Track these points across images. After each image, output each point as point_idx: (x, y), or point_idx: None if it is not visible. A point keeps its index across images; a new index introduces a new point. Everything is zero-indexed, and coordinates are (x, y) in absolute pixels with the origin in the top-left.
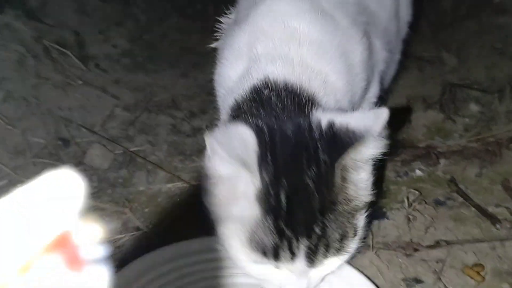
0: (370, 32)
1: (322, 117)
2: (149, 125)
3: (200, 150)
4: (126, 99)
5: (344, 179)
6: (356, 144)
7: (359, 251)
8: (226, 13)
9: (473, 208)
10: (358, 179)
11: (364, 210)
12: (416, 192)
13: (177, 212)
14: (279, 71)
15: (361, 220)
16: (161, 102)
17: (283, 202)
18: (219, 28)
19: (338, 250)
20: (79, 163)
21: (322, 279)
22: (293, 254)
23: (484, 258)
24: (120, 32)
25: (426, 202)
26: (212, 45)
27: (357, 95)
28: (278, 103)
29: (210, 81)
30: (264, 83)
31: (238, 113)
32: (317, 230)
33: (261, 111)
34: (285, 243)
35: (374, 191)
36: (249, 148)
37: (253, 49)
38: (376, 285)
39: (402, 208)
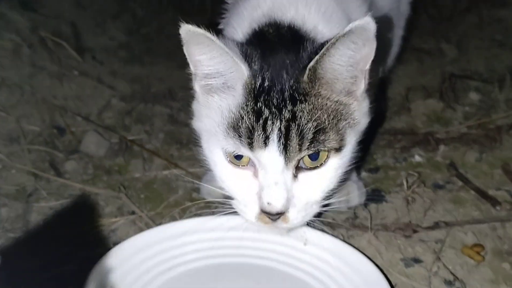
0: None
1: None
2: (146, 115)
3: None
4: (123, 90)
5: (313, 78)
6: (328, 46)
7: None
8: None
9: (472, 191)
10: (333, 84)
11: (354, 126)
12: (415, 174)
13: (173, 197)
14: (285, 15)
15: (348, 133)
16: (157, 93)
17: (266, 87)
18: (225, 9)
19: (313, 143)
20: (75, 151)
21: (306, 217)
22: (266, 136)
23: (484, 238)
24: (117, 25)
25: (425, 185)
26: (220, 26)
27: None
28: (276, 37)
29: None
30: (265, 24)
31: None
32: (286, 113)
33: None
34: (260, 122)
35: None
36: (235, 47)
37: (257, 9)
38: (375, 264)
39: (401, 191)
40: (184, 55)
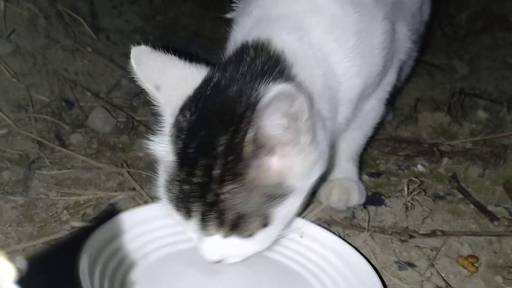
0: (395, 16)
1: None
2: None
3: None
4: None
5: (254, 153)
6: (257, 113)
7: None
8: None
9: (472, 205)
10: (271, 159)
11: (282, 202)
12: (417, 181)
13: None
14: (282, 39)
15: (276, 211)
16: None
17: (191, 154)
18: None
19: (235, 228)
20: (81, 125)
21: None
22: (188, 212)
23: (480, 251)
24: (134, 10)
25: (425, 194)
26: (227, 15)
27: (371, 79)
28: (251, 64)
29: None
30: (255, 43)
31: None
32: (210, 196)
33: (231, 66)
34: (183, 196)
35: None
36: (187, 84)
37: (264, 10)
38: (369, 262)
39: (401, 196)
40: (197, 46)
